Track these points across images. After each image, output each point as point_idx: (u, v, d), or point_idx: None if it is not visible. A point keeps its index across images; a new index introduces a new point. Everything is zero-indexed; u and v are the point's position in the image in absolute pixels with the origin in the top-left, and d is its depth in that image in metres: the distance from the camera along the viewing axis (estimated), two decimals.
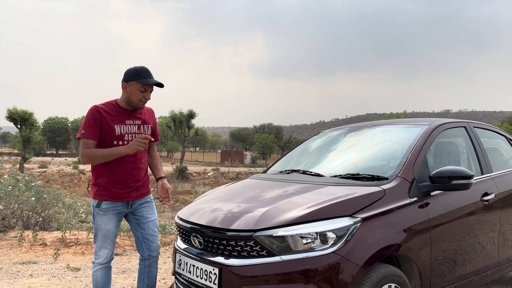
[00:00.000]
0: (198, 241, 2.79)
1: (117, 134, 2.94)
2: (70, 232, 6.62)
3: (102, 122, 2.90)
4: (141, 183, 3.11)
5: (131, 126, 3.01)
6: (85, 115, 2.96)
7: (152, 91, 3.04)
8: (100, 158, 2.90)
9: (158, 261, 3.32)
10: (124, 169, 2.99)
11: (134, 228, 3.20)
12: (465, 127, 3.74)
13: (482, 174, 3.56)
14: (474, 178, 3.28)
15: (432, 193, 2.96)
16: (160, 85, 3.01)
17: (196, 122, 46.03)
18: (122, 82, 3.00)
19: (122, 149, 2.89)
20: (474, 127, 3.84)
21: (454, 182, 2.88)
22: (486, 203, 3.35)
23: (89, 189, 26.32)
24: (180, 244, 3.06)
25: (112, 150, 2.89)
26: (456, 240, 3.06)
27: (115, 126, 2.94)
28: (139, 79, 2.92)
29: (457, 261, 3.08)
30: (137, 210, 3.14)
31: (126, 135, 2.97)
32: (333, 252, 2.39)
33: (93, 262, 3.10)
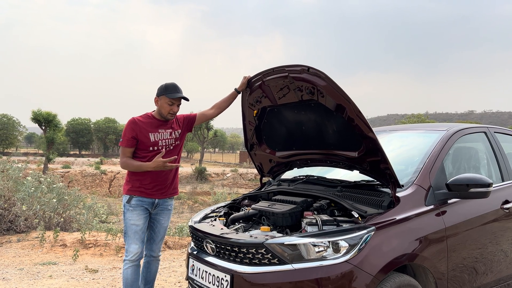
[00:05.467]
0: (211, 247, 2.80)
1: (152, 141, 3.30)
2: (89, 233, 6.74)
3: (137, 132, 3.26)
4: (168, 184, 3.42)
5: (163, 133, 3.37)
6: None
7: (179, 104, 3.37)
8: (133, 168, 3.29)
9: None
10: (157, 170, 3.29)
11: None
12: (485, 132, 3.63)
13: (503, 180, 3.45)
14: (494, 185, 3.18)
15: (449, 201, 2.88)
16: (185, 99, 3.36)
17: (215, 124, 46.40)
18: (155, 97, 3.35)
19: (150, 165, 3.21)
20: (494, 132, 3.73)
21: (472, 190, 2.79)
22: (507, 211, 3.25)
23: (110, 189, 26.78)
24: (193, 250, 3.08)
25: (144, 164, 3.25)
26: (474, 249, 2.97)
27: (150, 134, 3.30)
28: (167, 94, 3.27)
29: (475, 270, 2.99)
30: (157, 214, 3.45)
31: (160, 141, 3.34)
32: (346, 261, 2.36)
33: (124, 260, 3.33)
